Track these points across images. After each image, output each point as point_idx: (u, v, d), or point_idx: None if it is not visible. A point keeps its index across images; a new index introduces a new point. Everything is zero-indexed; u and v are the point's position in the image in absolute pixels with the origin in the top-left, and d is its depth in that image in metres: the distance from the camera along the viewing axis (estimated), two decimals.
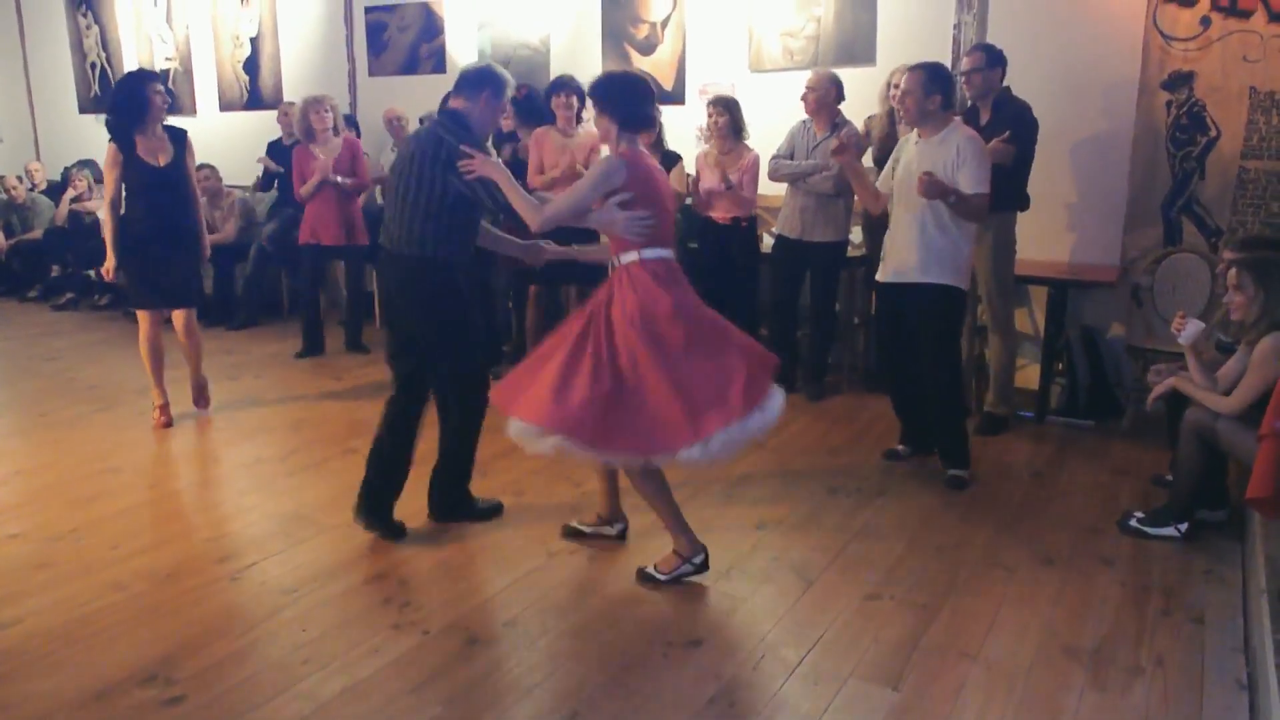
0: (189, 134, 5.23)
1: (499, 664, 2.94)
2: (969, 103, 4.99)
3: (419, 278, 3.61)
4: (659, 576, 3.44)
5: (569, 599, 3.36)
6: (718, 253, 5.72)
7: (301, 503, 4.20)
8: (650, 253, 3.36)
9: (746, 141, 5.64)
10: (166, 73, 5.33)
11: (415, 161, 3.55)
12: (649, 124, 3.48)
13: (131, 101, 4.93)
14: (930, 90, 4.13)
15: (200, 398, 5.52)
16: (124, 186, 5.03)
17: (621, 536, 3.80)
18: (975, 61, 4.82)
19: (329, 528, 3.92)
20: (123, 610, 3.25)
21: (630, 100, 3.37)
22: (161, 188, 5.02)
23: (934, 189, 4.00)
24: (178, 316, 5.27)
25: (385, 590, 3.39)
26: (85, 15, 9.66)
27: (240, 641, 3.05)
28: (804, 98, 5.40)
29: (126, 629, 3.13)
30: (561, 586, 3.44)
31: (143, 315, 5.23)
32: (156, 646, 3.02)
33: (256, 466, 4.69)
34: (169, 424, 5.28)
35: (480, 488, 4.25)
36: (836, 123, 5.38)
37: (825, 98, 5.35)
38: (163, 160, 5.01)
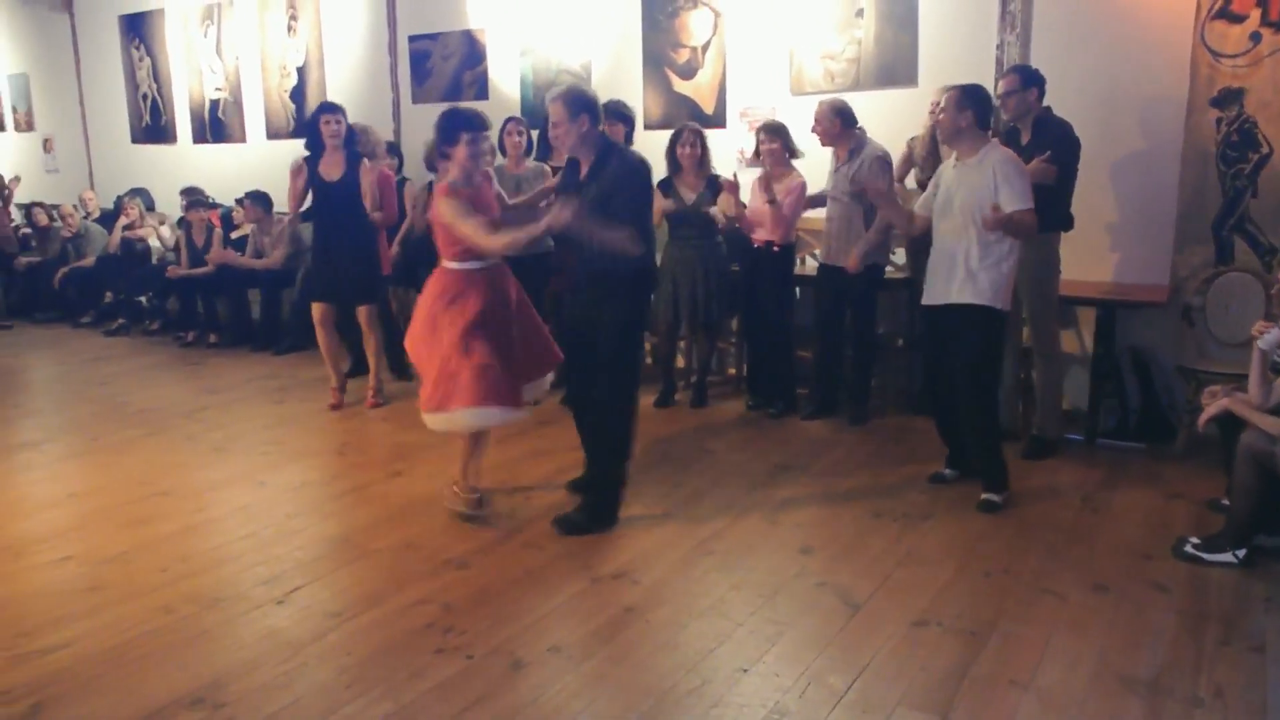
0: (363, 159, 6.02)
1: (543, 689, 2.93)
2: (1009, 124, 4.95)
3: None
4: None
5: (612, 624, 3.34)
6: (752, 275, 5.72)
7: (347, 526, 4.23)
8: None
9: (796, 165, 5.63)
10: (345, 114, 5.92)
11: None
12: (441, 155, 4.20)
13: (310, 129, 5.93)
14: (962, 105, 4.17)
15: (376, 394, 6.16)
16: (310, 196, 5.98)
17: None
18: (1010, 84, 4.79)
19: (373, 551, 3.95)
20: (171, 633, 3.28)
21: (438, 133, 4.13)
22: (334, 199, 5.90)
23: (998, 222, 4.05)
24: (360, 313, 6.07)
25: (429, 615, 3.39)
26: (138, 48, 9.89)
27: (286, 665, 3.07)
28: (813, 130, 5.40)
29: (174, 652, 3.16)
30: (604, 611, 3.43)
31: (315, 308, 6.03)
32: (204, 670, 3.04)
33: (303, 490, 4.74)
34: (338, 406, 6.10)
35: (523, 512, 4.27)
36: (852, 150, 5.35)
37: (830, 129, 5.34)
38: (335, 176, 5.87)
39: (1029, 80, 4.78)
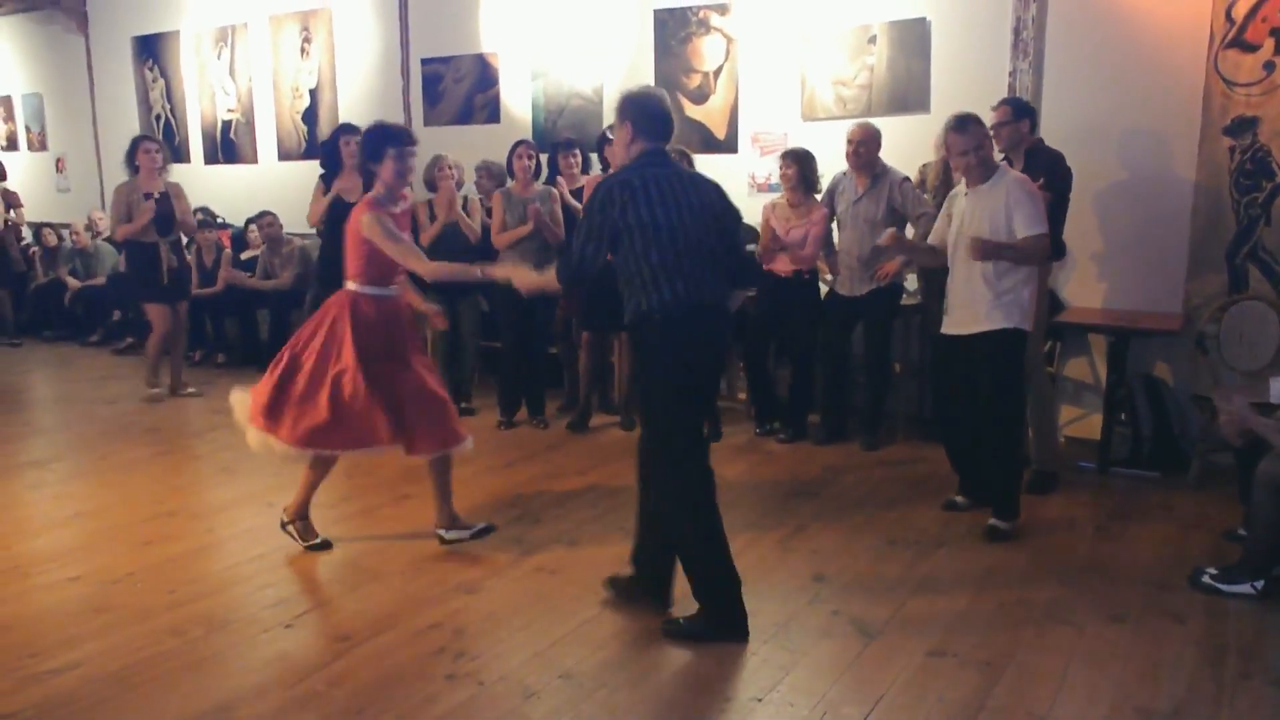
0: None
1: (555, 717, 2.89)
2: (1002, 155, 4.94)
3: None
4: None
5: (625, 651, 3.31)
6: (778, 305, 5.67)
7: (356, 549, 4.21)
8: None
9: (817, 196, 5.63)
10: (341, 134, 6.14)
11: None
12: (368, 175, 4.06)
13: (330, 151, 6.10)
14: (997, 131, 4.20)
15: None
16: (329, 219, 5.99)
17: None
18: (1002, 115, 4.79)
19: (382, 575, 3.92)
20: (179, 656, 3.25)
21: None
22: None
23: (988, 251, 4.04)
24: None
25: (440, 639, 3.36)
26: (152, 69, 9.94)
27: (295, 690, 3.04)
28: (855, 153, 5.38)
29: (183, 675, 3.13)
30: (617, 638, 3.39)
31: None
32: (212, 693, 3.02)
33: (311, 512, 4.69)
34: None
35: (533, 536, 4.23)
36: (876, 176, 5.36)
37: (872, 153, 5.39)
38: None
39: (1020, 112, 4.79)
